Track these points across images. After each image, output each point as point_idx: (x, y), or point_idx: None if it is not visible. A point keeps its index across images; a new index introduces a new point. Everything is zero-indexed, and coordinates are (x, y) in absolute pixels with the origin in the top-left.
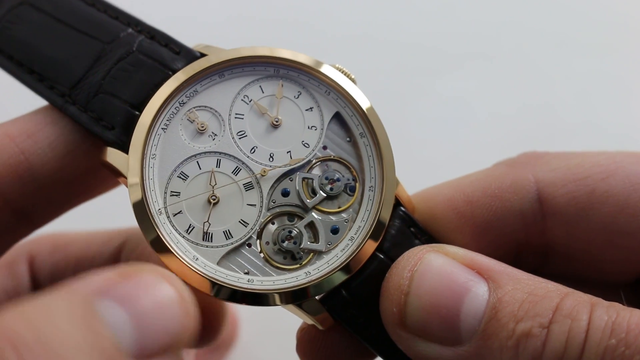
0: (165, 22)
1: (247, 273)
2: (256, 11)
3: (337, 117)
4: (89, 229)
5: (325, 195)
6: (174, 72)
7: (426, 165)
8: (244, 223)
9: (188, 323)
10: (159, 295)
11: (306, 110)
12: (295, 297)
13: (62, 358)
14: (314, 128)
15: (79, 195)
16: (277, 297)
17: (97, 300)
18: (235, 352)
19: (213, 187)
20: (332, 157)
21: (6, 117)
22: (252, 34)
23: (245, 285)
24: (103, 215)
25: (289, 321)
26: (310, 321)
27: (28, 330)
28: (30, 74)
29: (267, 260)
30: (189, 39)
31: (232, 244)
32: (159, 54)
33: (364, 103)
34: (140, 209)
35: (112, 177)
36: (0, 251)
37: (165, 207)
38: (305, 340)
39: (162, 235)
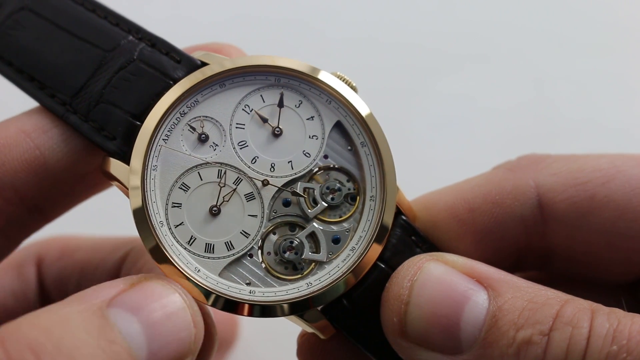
0: (165, 22)
1: (248, 284)
2: (257, 12)
3: (338, 126)
4: (96, 233)
5: (326, 205)
6: (175, 81)
7: (428, 166)
8: (246, 234)
9: (197, 333)
10: (169, 305)
11: (307, 119)
12: (296, 308)
13: None
14: (315, 137)
15: (92, 188)
16: (278, 308)
17: (110, 310)
18: (236, 352)
19: (219, 199)
20: (333, 166)
21: (7, 110)
22: (252, 36)
23: (247, 297)
24: (109, 218)
25: (290, 321)
26: (311, 330)
27: (47, 339)
28: (30, 81)
29: (268, 271)
30: (188, 40)
31: (233, 255)
32: (160, 63)
33: (365, 112)
34: (141, 218)
35: None
36: (13, 246)
37: (167, 219)
38: (306, 348)
39: (164, 247)
